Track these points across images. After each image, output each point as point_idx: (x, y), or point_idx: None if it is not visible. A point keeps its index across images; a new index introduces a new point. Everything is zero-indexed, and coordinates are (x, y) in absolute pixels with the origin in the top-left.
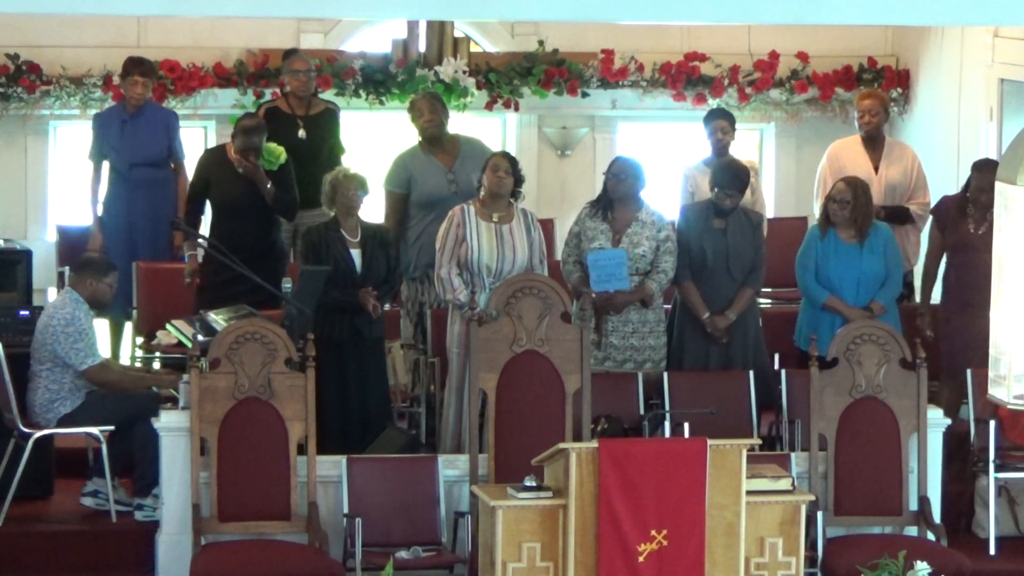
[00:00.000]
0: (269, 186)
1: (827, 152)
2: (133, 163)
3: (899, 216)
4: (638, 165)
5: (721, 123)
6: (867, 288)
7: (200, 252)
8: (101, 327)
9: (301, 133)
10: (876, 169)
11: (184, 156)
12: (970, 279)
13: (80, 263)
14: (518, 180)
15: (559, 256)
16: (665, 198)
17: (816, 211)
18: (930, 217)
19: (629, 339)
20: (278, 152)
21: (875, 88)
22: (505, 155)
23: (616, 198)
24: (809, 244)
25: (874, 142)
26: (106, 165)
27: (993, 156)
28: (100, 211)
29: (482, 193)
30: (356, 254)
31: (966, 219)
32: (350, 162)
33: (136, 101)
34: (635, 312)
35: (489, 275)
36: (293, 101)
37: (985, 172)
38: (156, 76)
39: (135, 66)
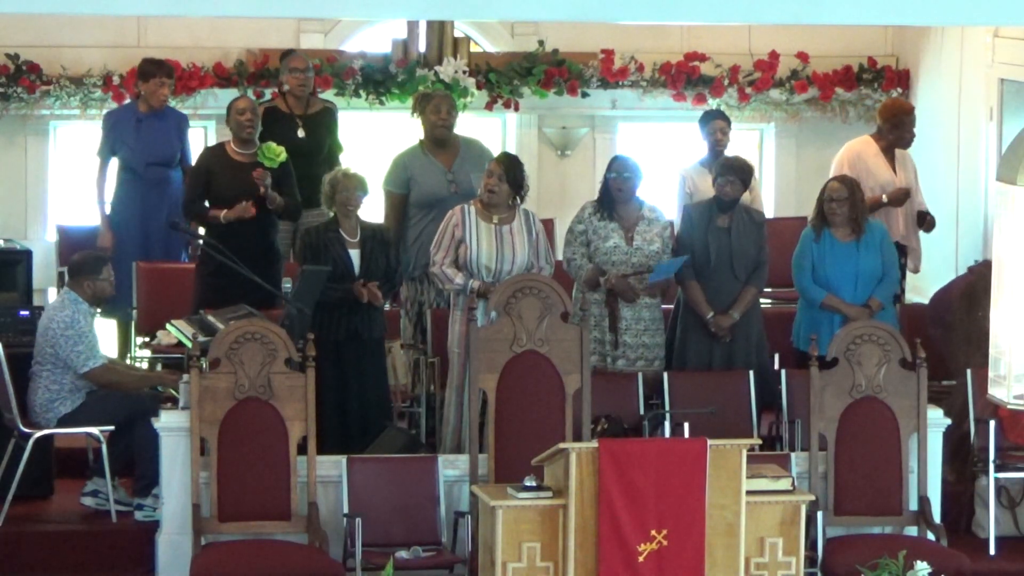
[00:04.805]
0: (278, 201)
1: (845, 153)
2: (149, 162)
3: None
4: (636, 163)
5: (720, 123)
6: (864, 285)
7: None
8: (109, 328)
9: (300, 132)
10: (895, 172)
11: (192, 159)
12: None
13: (72, 266)
14: (517, 183)
15: (559, 255)
16: (663, 198)
17: None
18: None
19: (641, 336)
20: (277, 151)
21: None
22: (502, 160)
23: (620, 198)
24: (804, 245)
25: (890, 150)
26: (113, 164)
27: (993, 156)
28: (108, 209)
29: (479, 193)
30: (355, 254)
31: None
32: (350, 162)
33: (161, 103)
34: (647, 310)
35: (488, 275)
36: (291, 101)
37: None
38: (173, 76)
39: (159, 68)
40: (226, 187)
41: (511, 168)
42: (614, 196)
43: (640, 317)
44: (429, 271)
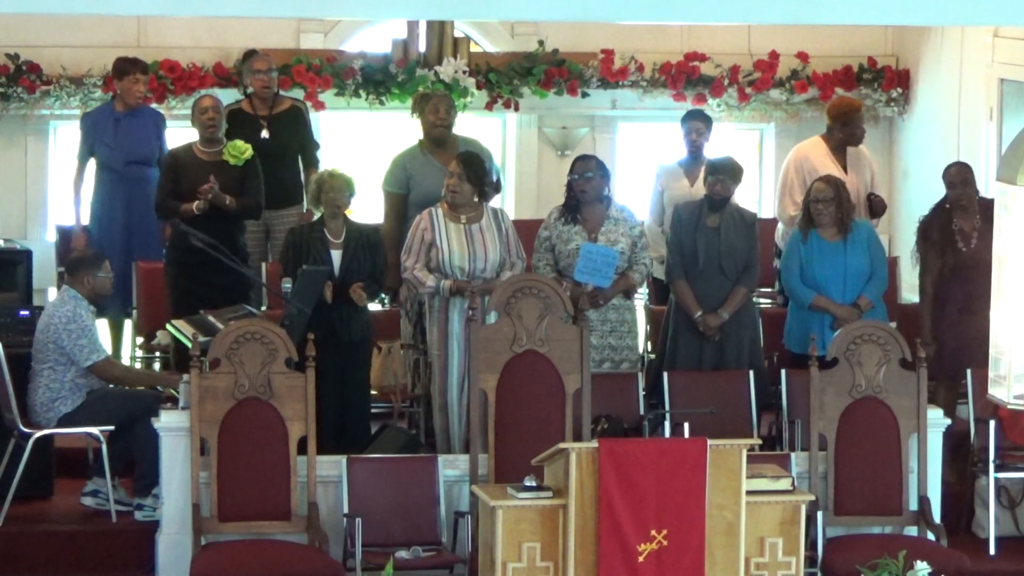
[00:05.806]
0: (229, 201)
1: (793, 155)
2: (129, 161)
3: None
4: (602, 162)
5: (696, 124)
6: (853, 285)
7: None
8: (101, 328)
9: (264, 133)
10: (845, 172)
11: None
12: (970, 289)
13: (71, 263)
14: (478, 181)
15: None
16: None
17: (776, 212)
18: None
19: (607, 338)
20: (243, 148)
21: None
22: (461, 159)
23: (584, 199)
24: (792, 247)
25: (841, 149)
26: (90, 166)
27: (993, 156)
28: (85, 211)
29: (442, 195)
30: (336, 255)
31: (954, 239)
32: (332, 160)
33: (137, 100)
34: (614, 311)
35: (463, 275)
36: (256, 102)
37: (956, 172)
38: (147, 72)
39: (133, 65)
40: (192, 185)
41: (470, 166)
42: (578, 198)
43: (607, 319)
44: (402, 276)
